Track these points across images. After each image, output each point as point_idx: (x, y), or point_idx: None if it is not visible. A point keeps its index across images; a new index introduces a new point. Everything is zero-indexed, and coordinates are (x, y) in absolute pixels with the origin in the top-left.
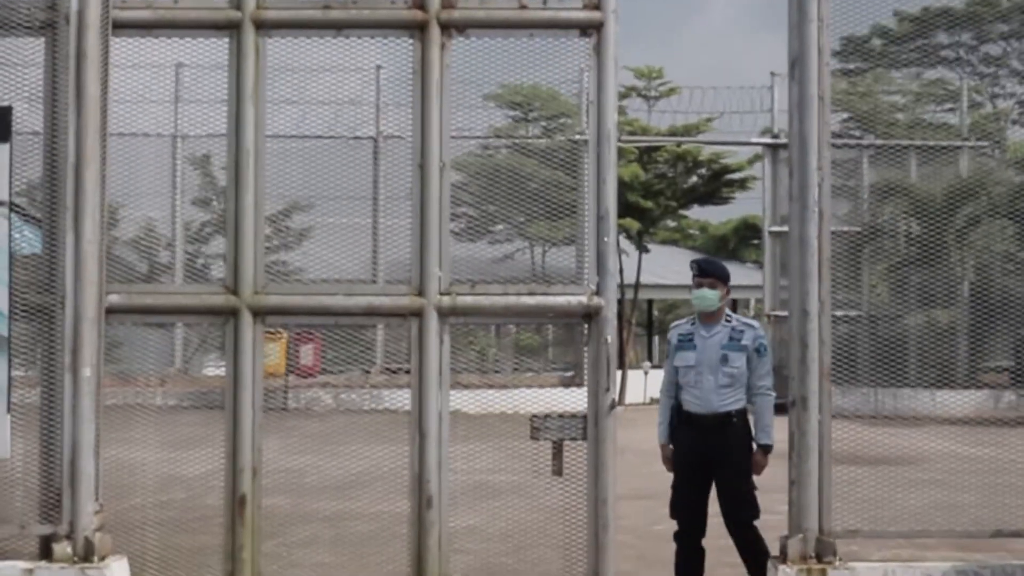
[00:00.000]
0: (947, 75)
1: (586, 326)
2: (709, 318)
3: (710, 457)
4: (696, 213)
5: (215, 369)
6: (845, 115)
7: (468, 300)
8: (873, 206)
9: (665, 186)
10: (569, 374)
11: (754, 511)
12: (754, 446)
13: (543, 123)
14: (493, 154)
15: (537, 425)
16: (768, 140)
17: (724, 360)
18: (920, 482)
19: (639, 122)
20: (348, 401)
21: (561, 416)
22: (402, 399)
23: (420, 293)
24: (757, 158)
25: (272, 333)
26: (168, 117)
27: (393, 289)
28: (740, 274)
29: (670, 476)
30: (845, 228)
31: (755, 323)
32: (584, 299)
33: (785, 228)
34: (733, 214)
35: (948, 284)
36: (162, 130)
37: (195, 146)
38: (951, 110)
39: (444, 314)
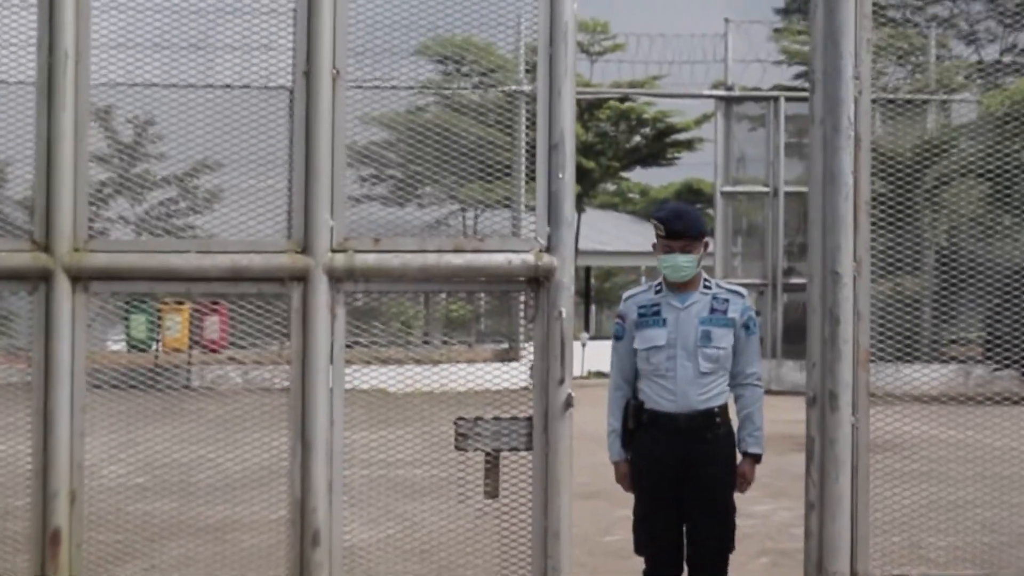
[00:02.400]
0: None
1: (532, 294)
2: (683, 285)
3: (685, 472)
4: (638, 175)
5: (115, 345)
6: (799, 68)
7: (370, 260)
8: None
9: (607, 146)
10: (504, 347)
11: (731, 544)
12: (739, 456)
13: (476, 78)
14: (421, 111)
15: (464, 431)
16: (721, 92)
17: (706, 339)
18: (909, 475)
19: (581, 78)
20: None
21: (498, 419)
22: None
23: (304, 250)
24: (705, 118)
25: (174, 304)
26: None
27: (267, 243)
28: None
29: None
30: (803, 188)
31: (742, 290)
32: (530, 257)
33: (738, 188)
34: (676, 177)
35: (915, 249)
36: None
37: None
38: (917, 67)
39: (337, 278)
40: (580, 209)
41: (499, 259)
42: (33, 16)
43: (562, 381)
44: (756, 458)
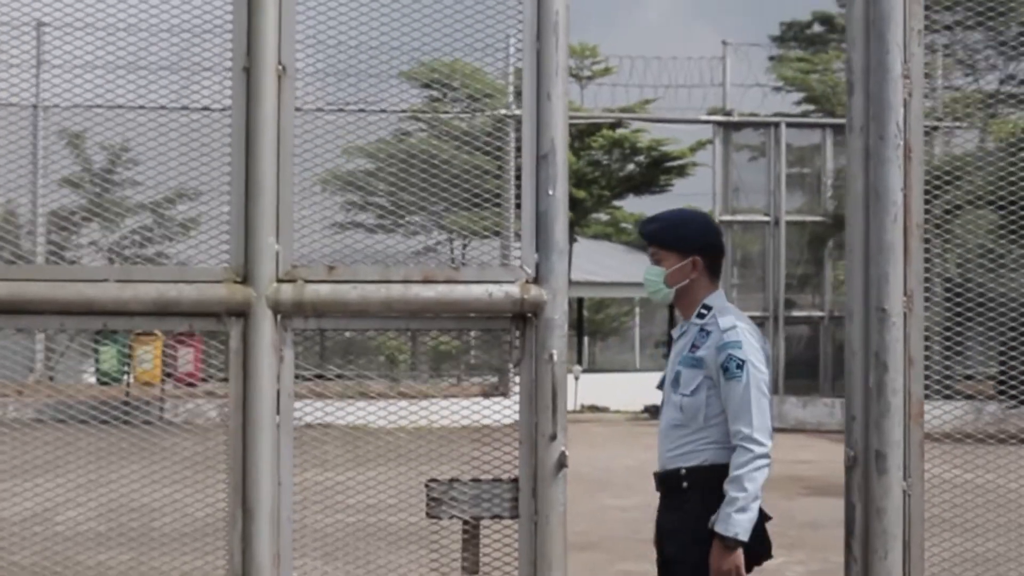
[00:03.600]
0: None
1: (518, 333)
2: (683, 310)
3: (658, 545)
4: (631, 204)
5: (90, 377)
6: (800, 95)
7: (324, 291)
8: (837, 194)
9: (600, 174)
10: (494, 381)
11: None
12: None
13: (464, 103)
14: (406, 138)
15: (437, 495)
16: (720, 118)
17: (675, 382)
18: (930, 521)
19: (572, 103)
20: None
21: (477, 482)
22: (301, 410)
23: (244, 279)
24: (700, 145)
25: (146, 334)
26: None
27: (200, 272)
28: None
29: (623, 516)
30: (805, 217)
31: (737, 321)
32: (514, 289)
33: (739, 217)
34: (670, 203)
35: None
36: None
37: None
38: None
39: (284, 313)
40: (572, 239)
41: (477, 291)
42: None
43: (554, 437)
44: (725, 541)
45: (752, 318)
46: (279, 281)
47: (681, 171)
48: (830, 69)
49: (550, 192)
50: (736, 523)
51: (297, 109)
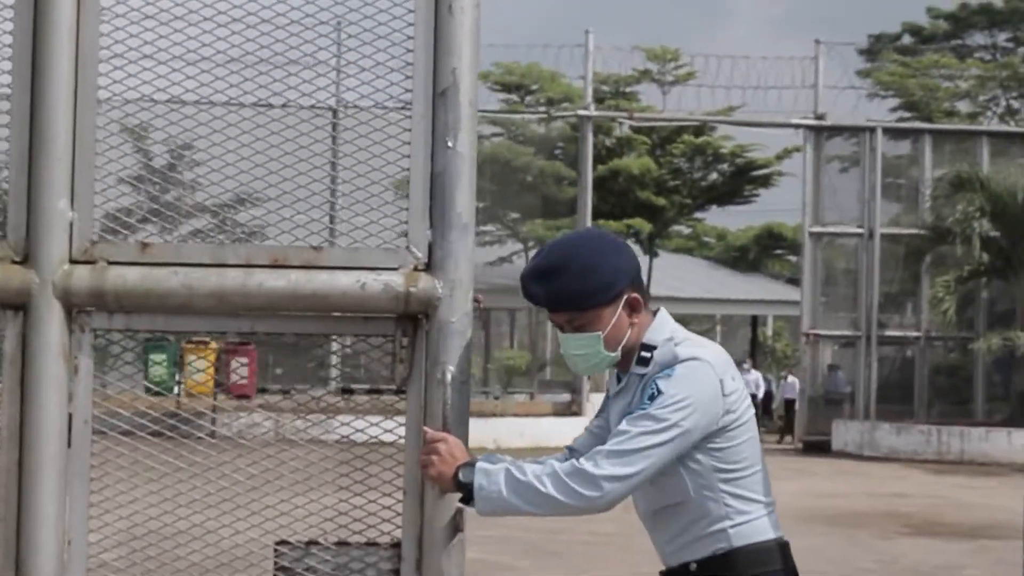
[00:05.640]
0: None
1: (407, 340)
2: (623, 363)
3: None
4: (713, 215)
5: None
6: (896, 101)
7: (132, 277)
8: (936, 204)
9: (681, 183)
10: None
11: None
12: None
13: (541, 108)
14: (480, 143)
15: (288, 564)
16: (811, 122)
17: None
18: None
19: (654, 109)
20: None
21: (344, 545)
22: (361, 426)
23: (25, 259)
24: (787, 153)
25: (198, 344)
26: None
27: None
28: (760, 287)
29: None
30: (901, 230)
31: (695, 351)
32: (396, 279)
33: (830, 229)
34: (755, 220)
35: None
36: None
37: None
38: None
39: (79, 305)
40: (653, 253)
41: (345, 282)
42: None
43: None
44: (460, 484)
45: (841, 338)
46: (72, 262)
47: (766, 181)
48: (929, 74)
49: (449, 144)
50: (487, 491)
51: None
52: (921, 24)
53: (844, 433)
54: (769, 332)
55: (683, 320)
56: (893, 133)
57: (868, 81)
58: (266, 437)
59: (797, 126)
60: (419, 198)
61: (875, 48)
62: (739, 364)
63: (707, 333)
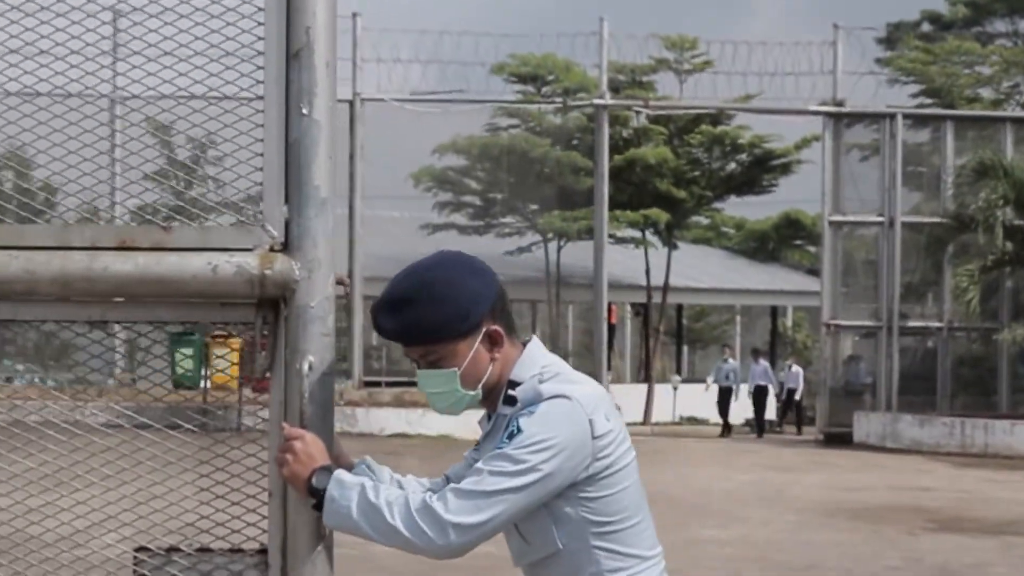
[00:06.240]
0: None
1: (267, 328)
2: (489, 402)
3: None
4: (732, 206)
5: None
6: (917, 88)
7: None
8: (959, 192)
9: (699, 174)
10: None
11: None
12: None
13: (556, 98)
14: (497, 134)
15: (146, 570)
16: (830, 108)
17: None
18: None
19: (669, 96)
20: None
21: (206, 552)
22: (383, 419)
23: None
24: (806, 142)
25: (223, 336)
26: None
27: None
28: (780, 278)
29: (720, 552)
30: (923, 219)
31: (563, 387)
32: (250, 261)
33: (850, 218)
34: (772, 207)
35: None
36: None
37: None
38: None
39: None
40: (672, 245)
41: (197, 264)
42: None
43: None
44: (314, 490)
45: (862, 329)
46: None
47: (785, 169)
48: (951, 60)
49: (304, 111)
50: (338, 504)
51: None
52: (940, 11)
53: (866, 425)
54: (789, 323)
55: (702, 311)
56: (914, 119)
57: (888, 68)
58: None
59: (816, 113)
60: (273, 171)
61: (894, 36)
62: (755, 356)
63: (727, 324)
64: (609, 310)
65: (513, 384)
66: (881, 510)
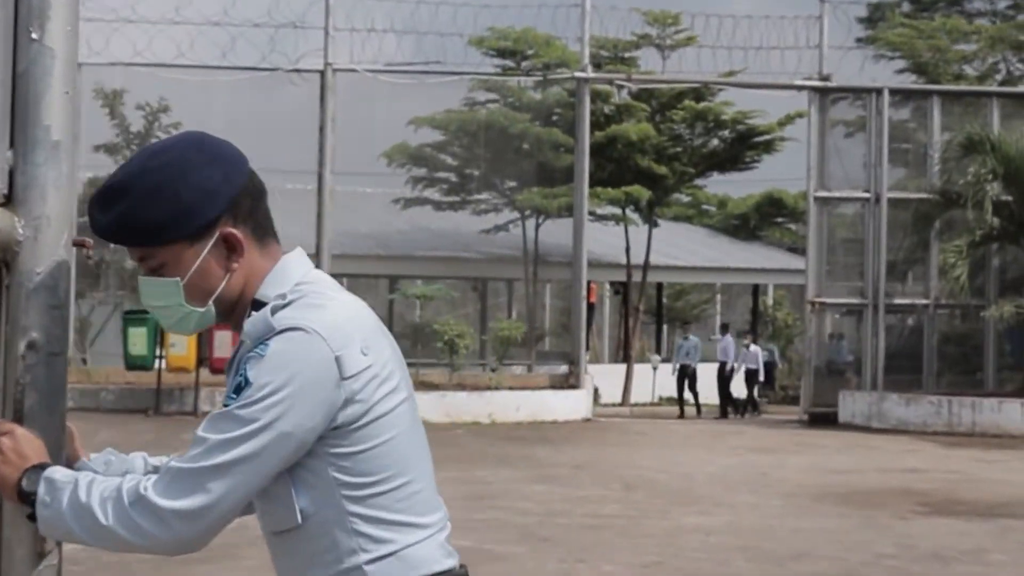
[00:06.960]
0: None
1: None
2: (233, 319)
3: None
4: (714, 183)
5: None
6: (903, 63)
7: None
8: (946, 168)
9: (681, 150)
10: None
11: None
12: None
13: (537, 72)
14: (475, 108)
15: None
16: (816, 83)
17: None
18: None
19: (652, 71)
20: None
21: None
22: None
23: None
24: (789, 119)
25: None
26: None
27: None
28: (761, 256)
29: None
30: (909, 195)
31: (298, 314)
32: None
33: (836, 194)
34: (754, 186)
35: None
36: None
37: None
38: None
39: None
40: (653, 223)
41: None
42: None
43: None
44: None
45: (848, 306)
46: None
47: (768, 147)
48: (936, 36)
49: (34, 35)
50: (51, 508)
51: None
52: None
53: (851, 404)
54: (770, 301)
55: (683, 290)
56: (900, 94)
57: (874, 45)
58: None
59: (801, 87)
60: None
61: (875, 16)
62: (738, 335)
63: (707, 302)
64: (588, 289)
65: (259, 304)
66: (871, 493)
